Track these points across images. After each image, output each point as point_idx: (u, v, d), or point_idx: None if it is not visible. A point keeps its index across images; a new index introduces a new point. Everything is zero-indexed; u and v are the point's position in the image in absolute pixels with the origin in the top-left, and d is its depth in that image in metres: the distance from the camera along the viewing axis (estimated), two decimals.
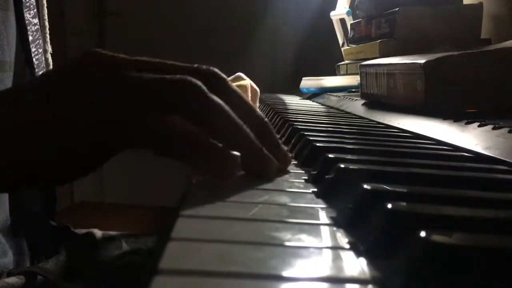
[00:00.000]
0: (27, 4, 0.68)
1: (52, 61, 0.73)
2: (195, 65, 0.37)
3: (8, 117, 0.35)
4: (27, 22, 0.68)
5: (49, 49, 0.73)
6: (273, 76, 2.03)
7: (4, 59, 0.62)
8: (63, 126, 0.35)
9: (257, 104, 1.07)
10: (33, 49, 0.69)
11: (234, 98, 0.36)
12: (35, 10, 0.70)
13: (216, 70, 0.37)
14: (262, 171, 0.35)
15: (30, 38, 0.68)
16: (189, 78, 0.34)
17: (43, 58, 0.72)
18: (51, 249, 0.72)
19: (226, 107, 0.34)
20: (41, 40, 0.71)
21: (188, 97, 0.33)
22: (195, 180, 0.34)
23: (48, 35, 0.73)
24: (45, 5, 0.73)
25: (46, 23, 0.73)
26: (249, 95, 0.97)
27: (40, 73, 0.36)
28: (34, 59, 0.69)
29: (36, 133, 0.35)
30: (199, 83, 0.34)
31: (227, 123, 0.34)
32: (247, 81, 1.00)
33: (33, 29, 0.69)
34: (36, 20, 0.70)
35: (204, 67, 0.37)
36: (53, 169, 0.36)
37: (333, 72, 1.31)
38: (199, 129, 0.34)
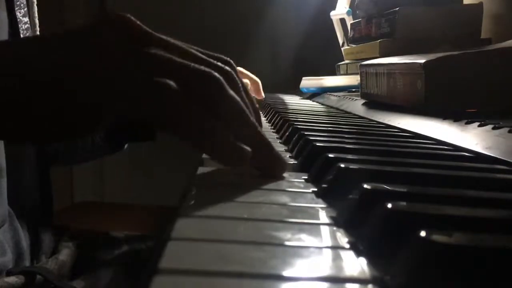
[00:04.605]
0: (18, 2, 0.68)
1: None
2: (213, 60, 0.37)
3: (36, 69, 0.35)
4: (18, 20, 0.68)
5: None
6: (273, 76, 2.03)
7: None
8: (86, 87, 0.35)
9: (262, 94, 1.07)
10: None
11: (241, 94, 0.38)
12: (25, 9, 0.70)
13: (230, 70, 0.37)
14: (272, 168, 0.36)
15: (21, 37, 0.68)
16: (213, 72, 0.35)
17: None
18: (51, 249, 0.72)
19: (243, 104, 0.36)
20: None
21: (210, 89, 0.35)
22: (198, 178, 0.34)
23: (38, 33, 0.73)
24: (35, 2, 0.73)
25: (36, 21, 0.73)
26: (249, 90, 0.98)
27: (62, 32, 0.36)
28: None
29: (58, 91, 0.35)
30: (221, 78, 0.35)
31: (242, 119, 0.35)
32: (246, 80, 1.00)
33: (23, 27, 0.69)
34: (26, 19, 0.70)
35: (220, 64, 0.37)
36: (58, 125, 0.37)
37: (333, 72, 1.30)
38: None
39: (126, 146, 0.89)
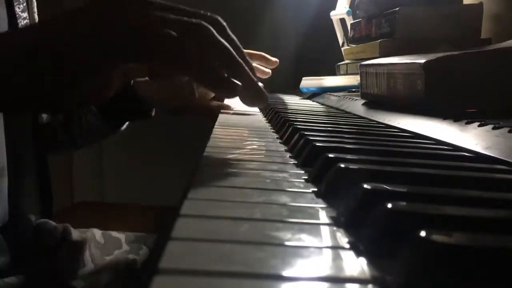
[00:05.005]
0: None
1: None
2: (203, 12, 0.44)
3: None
4: (17, 16, 0.68)
5: None
6: (273, 76, 2.03)
7: None
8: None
9: (274, 59, 1.04)
10: None
11: (233, 43, 0.45)
12: (24, 4, 0.70)
13: (219, 18, 0.45)
14: (255, 100, 0.46)
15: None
16: (204, 23, 0.42)
17: None
18: (51, 248, 0.72)
19: (230, 48, 0.43)
20: None
21: (203, 36, 0.42)
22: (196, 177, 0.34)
23: None
24: None
25: (36, 16, 0.73)
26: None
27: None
28: None
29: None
30: (210, 27, 0.42)
31: (232, 58, 0.43)
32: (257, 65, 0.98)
33: (22, 23, 0.69)
34: (25, 14, 0.70)
35: (209, 14, 0.45)
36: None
37: (333, 72, 1.30)
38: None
39: (124, 126, 0.89)
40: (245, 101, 0.45)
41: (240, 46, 0.45)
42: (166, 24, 0.41)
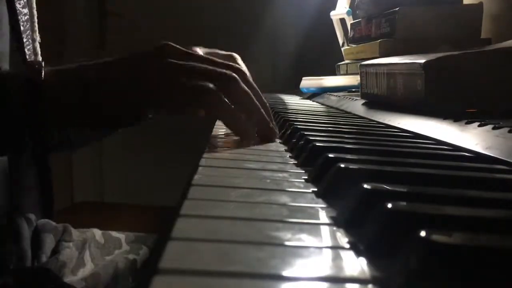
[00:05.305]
0: None
1: (51, 61, 0.72)
2: (227, 62, 0.54)
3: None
4: (17, 12, 0.68)
5: (38, 38, 0.73)
6: (273, 76, 2.03)
7: None
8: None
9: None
10: (24, 39, 0.69)
11: (254, 90, 0.54)
12: (24, 0, 0.70)
13: (239, 66, 0.55)
14: (268, 136, 0.53)
15: (21, 28, 0.68)
16: (234, 74, 0.52)
17: (32, 47, 0.71)
18: (51, 248, 0.72)
19: (251, 93, 0.52)
20: (30, 31, 0.71)
21: (231, 85, 0.51)
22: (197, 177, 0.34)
23: (36, 24, 0.73)
24: None
25: (35, 12, 0.73)
26: None
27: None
28: (26, 49, 0.69)
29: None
30: (237, 76, 0.52)
31: (252, 104, 0.53)
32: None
33: (23, 19, 0.69)
34: (26, 10, 0.70)
35: (232, 64, 0.54)
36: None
37: (333, 72, 1.30)
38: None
39: (120, 130, 0.89)
40: (259, 136, 0.53)
41: (258, 90, 0.54)
42: (203, 75, 0.51)
